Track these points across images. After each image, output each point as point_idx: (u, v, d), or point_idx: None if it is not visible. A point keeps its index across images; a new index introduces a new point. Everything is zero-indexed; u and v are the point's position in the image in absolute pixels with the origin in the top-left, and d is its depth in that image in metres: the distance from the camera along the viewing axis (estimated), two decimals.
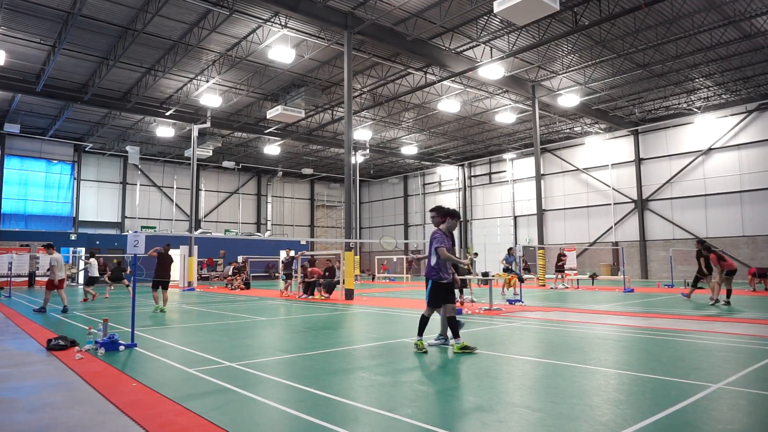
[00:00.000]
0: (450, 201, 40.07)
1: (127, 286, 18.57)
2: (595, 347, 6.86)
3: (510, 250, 18.62)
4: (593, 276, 23.94)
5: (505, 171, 36.51)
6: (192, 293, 20.58)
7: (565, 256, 21.88)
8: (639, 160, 29.18)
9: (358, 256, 29.01)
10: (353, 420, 3.80)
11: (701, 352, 6.51)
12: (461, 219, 7.23)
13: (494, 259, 33.91)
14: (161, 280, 12.59)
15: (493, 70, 19.49)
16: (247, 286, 23.35)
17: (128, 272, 19.90)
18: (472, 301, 13.95)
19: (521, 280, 15.53)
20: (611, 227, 30.10)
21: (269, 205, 41.95)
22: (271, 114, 22.75)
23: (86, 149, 32.67)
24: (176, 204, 37.26)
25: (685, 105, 26.06)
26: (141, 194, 35.68)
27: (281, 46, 17.90)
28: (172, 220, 36.98)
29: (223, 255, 29.74)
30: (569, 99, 23.18)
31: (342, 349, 7.07)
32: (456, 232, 39.29)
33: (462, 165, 38.98)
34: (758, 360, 5.80)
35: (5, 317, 11.25)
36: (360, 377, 5.22)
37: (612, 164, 30.42)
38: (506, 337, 7.92)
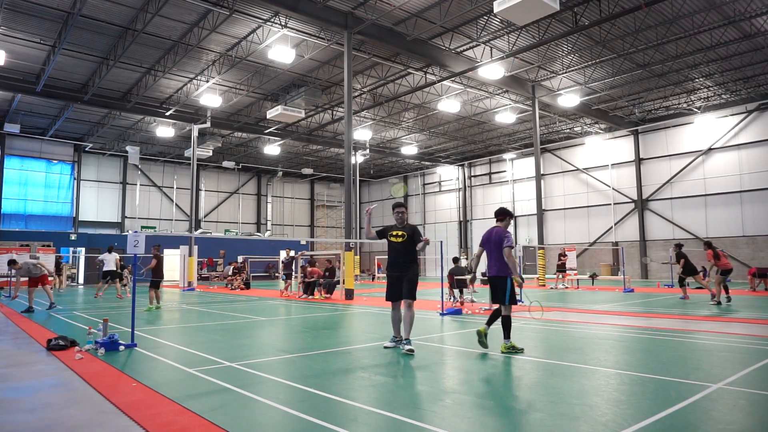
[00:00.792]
0: (450, 201, 40.08)
1: (124, 285, 18.48)
2: (595, 347, 6.86)
3: None
4: (593, 276, 23.94)
5: (505, 171, 36.51)
6: (192, 293, 20.58)
7: (565, 255, 21.88)
8: (639, 160, 29.17)
9: (358, 256, 29.02)
10: (353, 420, 3.80)
11: (701, 352, 6.51)
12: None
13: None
14: (158, 280, 13.25)
15: (493, 70, 19.48)
16: (247, 286, 23.36)
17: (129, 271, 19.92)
18: (472, 301, 13.95)
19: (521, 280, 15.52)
20: (611, 227, 30.10)
21: (269, 205, 41.94)
22: (271, 114, 22.75)
23: (86, 149, 32.66)
24: (176, 204, 37.26)
25: (685, 105, 26.06)
26: (141, 194, 35.68)
27: (281, 46, 17.90)
28: (172, 220, 36.97)
29: (223, 255, 29.75)
30: (569, 99, 23.18)
31: (342, 349, 7.07)
32: (456, 233, 39.30)
33: (462, 165, 38.97)
34: (758, 360, 5.80)
35: (5, 317, 11.25)
36: (360, 377, 5.23)
37: (612, 164, 30.41)
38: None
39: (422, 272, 41.29)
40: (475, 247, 36.30)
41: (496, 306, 6.97)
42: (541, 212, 24.79)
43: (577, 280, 23.28)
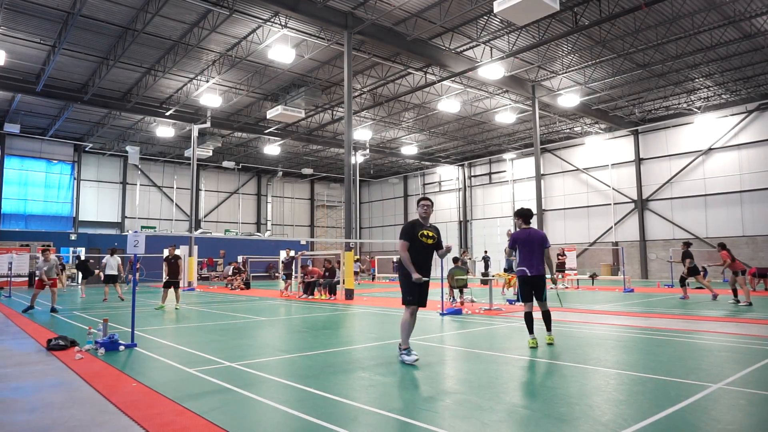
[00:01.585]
0: (450, 201, 40.08)
1: (121, 282, 18.39)
2: (595, 347, 6.86)
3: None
4: (593, 276, 23.94)
5: (505, 171, 36.51)
6: (192, 293, 20.57)
7: (564, 255, 21.87)
8: (639, 160, 29.18)
9: (358, 256, 29.01)
10: (353, 420, 3.80)
11: (701, 352, 6.51)
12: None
13: (495, 259, 33.85)
14: (171, 281, 13.47)
15: (493, 70, 19.49)
16: (247, 286, 23.36)
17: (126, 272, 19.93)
18: (472, 301, 13.94)
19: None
20: (611, 227, 30.10)
21: (269, 205, 41.95)
22: (271, 114, 22.75)
23: (86, 149, 32.67)
24: (176, 204, 37.26)
25: (685, 105, 26.06)
26: (141, 194, 35.68)
27: (281, 46, 17.90)
28: (172, 220, 36.98)
29: (223, 255, 29.77)
30: (569, 99, 23.18)
31: (342, 349, 7.07)
32: (456, 233, 39.24)
33: (462, 165, 38.98)
34: (758, 360, 5.80)
35: (5, 317, 11.25)
36: (360, 377, 5.22)
37: (612, 164, 30.41)
38: (506, 337, 7.92)
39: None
40: (477, 248, 36.36)
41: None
42: (541, 212, 24.79)
43: (577, 280, 23.28)
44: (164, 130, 26.97)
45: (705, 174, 26.69)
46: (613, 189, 30.20)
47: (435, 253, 6.27)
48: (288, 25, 17.23)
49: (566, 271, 21.86)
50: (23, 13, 16.47)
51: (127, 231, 33.49)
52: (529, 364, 5.86)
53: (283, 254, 21.84)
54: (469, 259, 26.69)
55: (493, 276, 13.84)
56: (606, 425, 3.61)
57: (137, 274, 12.96)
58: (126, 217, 34.85)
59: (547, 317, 7.09)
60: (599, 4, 15.84)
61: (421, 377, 5.22)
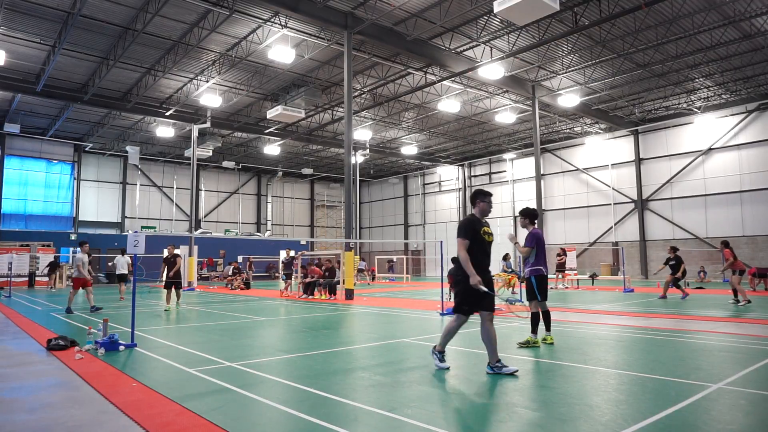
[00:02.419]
0: (450, 201, 40.07)
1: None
2: (595, 347, 6.86)
3: (506, 256, 18.54)
4: (593, 276, 23.93)
5: (505, 171, 36.51)
6: (192, 293, 20.57)
7: (564, 255, 21.84)
8: (639, 160, 29.17)
9: (358, 256, 29.00)
10: (353, 420, 3.80)
11: (701, 352, 6.51)
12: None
13: (494, 259, 33.80)
14: (171, 281, 13.16)
15: (493, 70, 19.48)
16: (247, 286, 23.37)
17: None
18: None
19: (521, 280, 15.52)
20: (611, 227, 30.09)
21: (269, 205, 41.94)
22: (271, 114, 22.75)
23: (86, 149, 32.66)
24: (176, 204, 37.26)
25: (685, 105, 26.06)
26: (141, 194, 35.68)
27: (281, 46, 17.90)
28: (172, 220, 36.98)
29: (223, 255, 29.76)
30: (569, 99, 23.18)
31: (342, 349, 7.07)
32: (456, 233, 39.45)
33: (462, 165, 38.97)
34: (758, 360, 5.80)
35: (5, 317, 11.25)
36: (360, 377, 5.23)
37: (612, 164, 30.41)
38: (506, 337, 7.91)
39: (422, 272, 41.32)
40: None
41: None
42: (541, 212, 24.81)
43: (577, 280, 23.28)
44: (164, 130, 26.97)
45: (705, 174, 26.68)
46: (613, 189, 30.20)
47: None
48: (288, 25, 17.23)
49: (566, 271, 21.86)
50: (23, 13, 16.47)
51: (127, 231, 33.50)
52: (529, 364, 5.86)
53: (283, 254, 21.84)
54: None
55: (492, 276, 13.83)
56: (606, 425, 3.61)
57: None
58: (126, 217, 34.85)
59: (548, 317, 7.19)
60: (599, 4, 15.83)
61: (421, 377, 5.22)
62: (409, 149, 33.60)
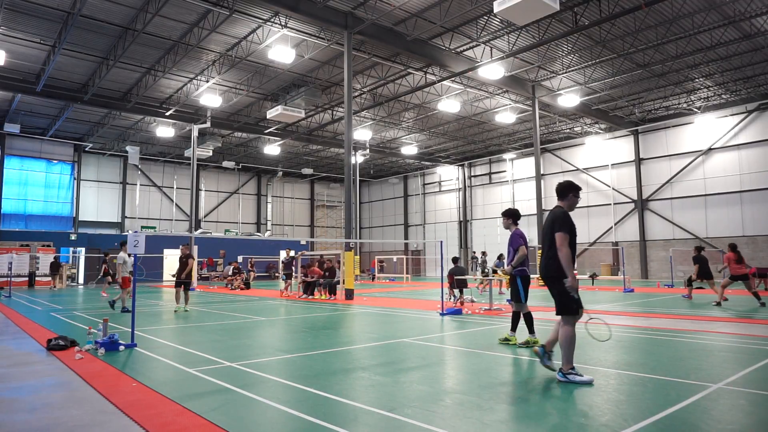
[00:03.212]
0: (450, 201, 40.07)
1: (109, 283, 18.26)
2: (595, 347, 6.86)
3: (501, 256, 18.53)
4: (593, 276, 23.93)
5: (505, 171, 36.50)
6: (192, 293, 20.55)
7: None
8: (639, 160, 29.17)
9: (358, 256, 29.02)
10: (353, 420, 3.80)
11: (701, 352, 6.51)
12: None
13: (491, 259, 33.82)
14: (180, 280, 12.83)
15: (493, 70, 19.48)
16: (247, 286, 23.37)
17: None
18: (472, 301, 13.94)
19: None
20: (611, 227, 30.09)
21: (269, 205, 41.94)
22: (271, 114, 22.75)
23: (86, 149, 32.66)
24: (176, 204, 37.26)
25: (685, 105, 26.06)
26: (141, 194, 35.67)
27: (281, 46, 17.90)
28: (172, 220, 36.97)
29: (223, 255, 29.75)
30: (569, 99, 23.18)
31: (342, 349, 7.07)
32: (456, 233, 39.16)
33: (462, 165, 38.97)
34: (758, 360, 5.80)
35: (5, 317, 11.25)
36: (360, 377, 5.23)
37: (612, 164, 30.41)
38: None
39: (422, 272, 41.33)
40: (477, 248, 36.30)
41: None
42: (541, 212, 24.80)
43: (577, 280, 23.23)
44: (164, 130, 26.97)
45: (705, 174, 26.68)
46: (613, 189, 30.19)
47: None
48: (288, 25, 17.23)
49: None
50: (23, 13, 16.46)
51: (127, 231, 33.49)
52: (530, 364, 5.86)
53: (283, 254, 21.84)
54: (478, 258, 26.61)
55: (493, 276, 13.84)
56: (606, 425, 3.61)
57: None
58: (126, 217, 34.84)
59: (530, 319, 7.21)
60: (599, 4, 15.83)
61: (421, 377, 5.22)
62: (409, 149, 33.60)
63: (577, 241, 5.26)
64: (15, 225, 29.99)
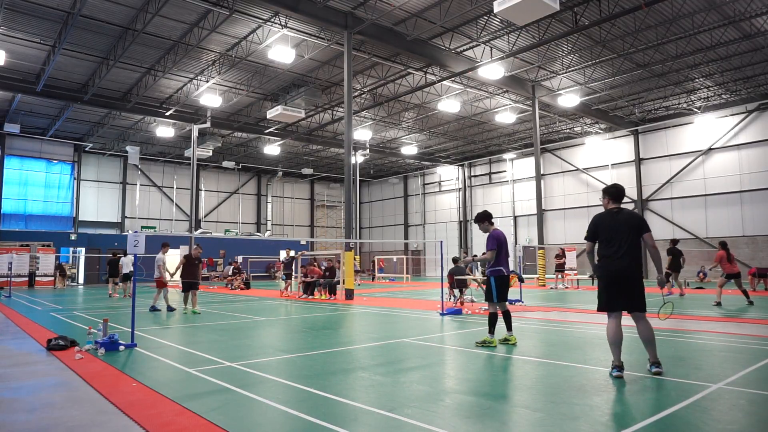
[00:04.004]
0: (450, 201, 40.07)
1: (116, 284, 18.27)
2: (595, 347, 6.86)
3: (475, 256, 18.49)
4: (593, 276, 23.89)
5: (505, 171, 36.50)
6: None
7: (563, 256, 21.82)
8: (639, 160, 29.17)
9: (358, 256, 29.03)
10: (353, 420, 3.80)
11: (701, 352, 6.51)
12: (481, 221, 7.37)
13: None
14: (187, 282, 12.56)
15: (493, 70, 19.48)
16: (247, 286, 23.37)
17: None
18: (472, 301, 13.94)
19: (521, 280, 15.54)
20: None
21: (269, 205, 41.94)
22: (271, 114, 22.75)
23: (86, 149, 32.66)
24: (176, 204, 37.26)
25: (685, 105, 26.06)
26: (141, 194, 35.67)
27: (281, 46, 17.90)
28: (172, 220, 36.97)
29: (223, 255, 29.75)
30: (569, 99, 23.18)
31: (342, 349, 7.07)
32: (456, 233, 39.14)
33: (462, 165, 38.97)
34: (758, 360, 5.80)
35: (5, 317, 11.25)
36: (360, 377, 5.22)
37: (612, 164, 30.41)
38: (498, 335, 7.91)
39: (422, 272, 41.33)
40: (477, 248, 36.33)
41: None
42: (541, 212, 24.79)
43: (578, 280, 23.28)
44: (164, 130, 26.97)
45: (705, 174, 26.68)
46: None
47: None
48: (288, 25, 17.23)
49: (566, 271, 21.85)
50: (23, 13, 16.46)
51: (127, 231, 33.49)
52: (530, 364, 5.86)
53: (283, 254, 21.85)
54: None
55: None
56: (606, 425, 3.61)
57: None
58: (126, 217, 34.84)
59: (508, 317, 7.21)
60: (599, 4, 15.83)
61: (421, 377, 5.22)
62: (409, 149, 33.60)
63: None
64: (15, 225, 30.00)
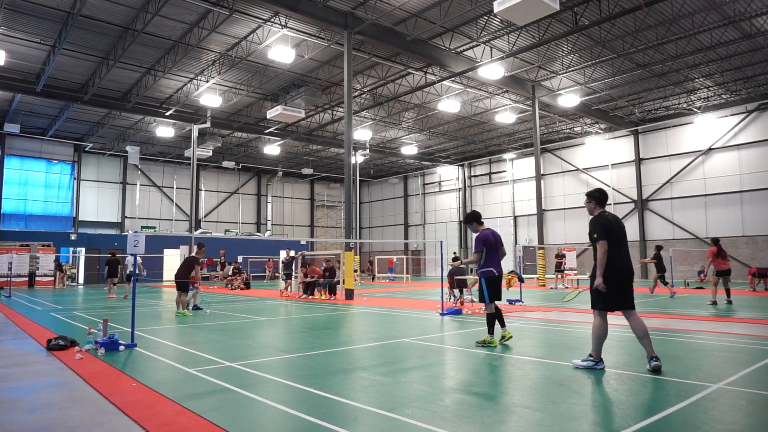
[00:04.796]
0: (450, 201, 40.07)
1: (114, 284, 18.25)
2: None
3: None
4: (593, 276, 23.86)
5: (505, 171, 36.51)
6: (191, 293, 20.52)
7: (562, 256, 21.82)
8: (639, 160, 29.17)
9: (358, 256, 29.02)
10: (353, 420, 3.80)
11: (701, 352, 6.51)
12: (473, 221, 7.38)
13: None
14: (178, 282, 12.19)
15: (493, 70, 19.48)
16: (247, 286, 23.37)
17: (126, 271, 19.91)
18: (472, 301, 13.94)
19: (521, 280, 15.54)
20: None
21: (269, 205, 41.94)
22: (271, 114, 22.75)
23: (86, 149, 32.66)
24: (176, 204, 37.26)
25: (685, 105, 26.06)
26: (141, 194, 35.67)
27: (281, 46, 17.90)
28: (172, 220, 36.97)
29: (223, 255, 29.73)
30: (569, 99, 23.18)
31: (342, 349, 7.07)
32: (456, 233, 39.10)
33: (462, 165, 38.97)
34: (758, 360, 5.80)
35: (5, 317, 11.25)
36: (360, 377, 5.23)
37: (612, 164, 30.41)
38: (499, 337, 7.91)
39: (422, 272, 41.34)
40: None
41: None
42: (541, 212, 24.79)
43: (577, 280, 23.27)
44: (164, 130, 26.97)
45: (705, 174, 26.68)
46: (613, 189, 30.18)
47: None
48: (288, 25, 17.23)
49: (566, 272, 21.85)
50: (23, 13, 16.46)
51: (127, 231, 33.49)
52: (530, 364, 5.86)
53: (283, 254, 21.84)
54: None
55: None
56: (606, 425, 3.61)
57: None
58: (126, 217, 34.84)
59: (499, 313, 7.28)
60: (599, 4, 15.83)
61: (421, 377, 5.22)
62: (409, 149, 33.60)
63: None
64: (15, 225, 30.00)
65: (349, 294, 15.83)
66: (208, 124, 26.20)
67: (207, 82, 21.79)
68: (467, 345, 7.18)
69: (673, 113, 27.36)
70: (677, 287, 19.50)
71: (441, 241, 12.14)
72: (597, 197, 5.64)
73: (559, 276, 21.40)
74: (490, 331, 7.07)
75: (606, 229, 5.44)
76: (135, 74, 21.77)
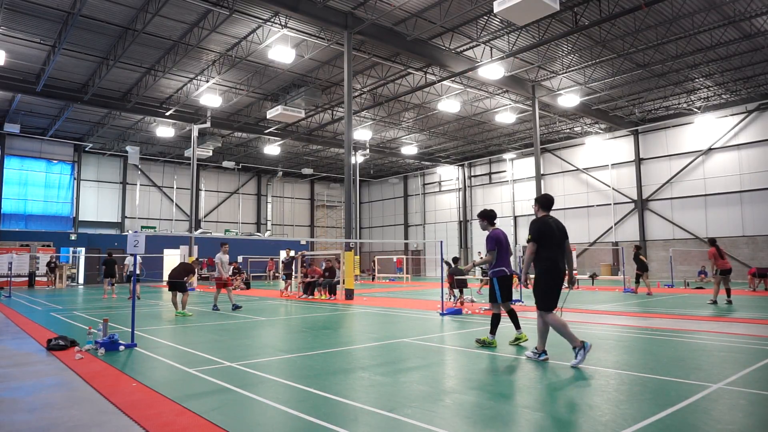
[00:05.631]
0: (450, 201, 40.08)
1: (112, 285, 18.20)
2: (595, 347, 6.86)
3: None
4: (593, 276, 23.93)
5: (505, 171, 36.51)
6: (192, 293, 20.56)
7: None
8: (639, 160, 29.17)
9: (358, 256, 29.01)
10: (353, 420, 3.80)
11: (701, 352, 6.51)
12: (484, 218, 7.42)
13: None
14: (171, 282, 11.88)
15: (493, 70, 19.48)
16: (247, 286, 23.37)
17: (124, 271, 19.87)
18: (472, 301, 13.94)
19: (521, 281, 15.50)
20: (611, 227, 30.09)
21: (269, 205, 41.95)
22: (271, 114, 22.75)
23: (86, 149, 32.66)
24: (176, 204, 37.26)
25: (685, 105, 26.06)
26: (141, 194, 35.67)
27: (281, 46, 17.90)
28: (172, 220, 36.97)
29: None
30: (569, 99, 23.17)
31: (342, 349, 7.07)
32: (456, 233, 39.07)
33: (462, 165, 38.97)
34: (758, 360, 5.80)
35: (5, 317, 11.25)
36: (360, 377, 5.22)
37: (612, 164, 30.41)
38: (506, 337, 7.91)
39: (422, 272, 41.34)
40: (477, 248, 36.36)
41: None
42: None
43: (577, 280, 23.27)
44: (164, 130, 26.97)
45: (705, 174, 26.68)
46: (613, 189, 30.20)
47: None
48: (288, 25, 17.23)
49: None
50: (23, 13, 16.47)
51: (127, 231, 33.49)
52: (530, 364, 5.86)
53: (283, 254, 21.85)
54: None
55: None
56: (606, 425, 3.61)
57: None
58: (126, 217, 34.84)
59: (514, 316, 7.36)
60: (599, 4, 15.83)
61: (420, 377, 5.22)
62: (409, 149, 33.60)
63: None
64: (15, 225, 30.00)
65: (349, 294, 15.83)
66: (208, 124, 26.20)
67: (207, 82, 21.79)
68: (467, 345, 7.18)
69: (673, 113, 27.36)
70: (677, 287, 19.50)
71: (441, 241, 12.15)
72: (542, 202, 6.15)
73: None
74: (493, 331, 7.05)
75: (541, 232, 5.86)
76: (135, 74, 21.77)
